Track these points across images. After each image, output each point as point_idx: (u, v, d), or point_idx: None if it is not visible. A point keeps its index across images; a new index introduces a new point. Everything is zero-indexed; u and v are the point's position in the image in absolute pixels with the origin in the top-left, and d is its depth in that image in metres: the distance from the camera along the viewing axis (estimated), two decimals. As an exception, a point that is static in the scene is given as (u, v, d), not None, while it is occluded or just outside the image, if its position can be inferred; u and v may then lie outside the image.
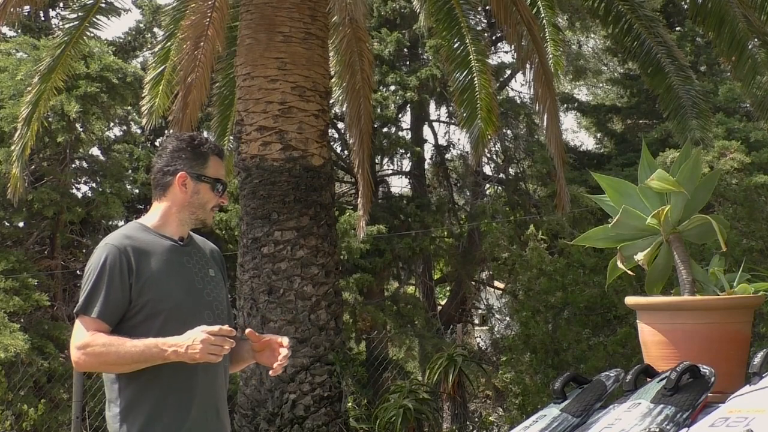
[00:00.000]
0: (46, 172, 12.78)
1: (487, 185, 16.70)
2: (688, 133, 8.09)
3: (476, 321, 17.98)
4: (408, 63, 15.78)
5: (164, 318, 2.71)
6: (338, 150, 15.42)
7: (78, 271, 13.09)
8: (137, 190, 14.01)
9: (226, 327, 2.61)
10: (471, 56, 8.57)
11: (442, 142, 16.99)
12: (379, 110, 14.12)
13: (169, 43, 8.94)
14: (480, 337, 16.78)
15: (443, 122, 17.00)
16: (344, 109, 9.30)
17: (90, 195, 13.44)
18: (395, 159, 16.50)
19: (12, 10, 7.89)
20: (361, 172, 8.77)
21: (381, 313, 14.04)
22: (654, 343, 3.13)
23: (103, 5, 8.73)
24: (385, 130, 15.26)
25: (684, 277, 3.23)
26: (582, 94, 19.81)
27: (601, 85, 19.51)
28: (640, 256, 3.26)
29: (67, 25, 8.92)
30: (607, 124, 16.85)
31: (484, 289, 17.55)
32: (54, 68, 8.61)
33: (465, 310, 16.84)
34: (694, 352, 2.95)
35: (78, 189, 13.86)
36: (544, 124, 8.56)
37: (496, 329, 14.74)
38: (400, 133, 15.86)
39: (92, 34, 10.23)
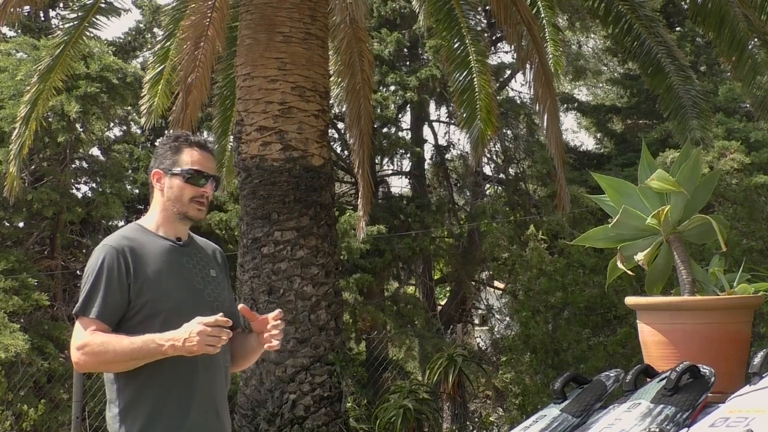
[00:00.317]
0: (46, 172, 12.78)
1: (487, 185, 16.70)
2: (688, 133, 8.08)
3: (476, 321, 17.99)
4: (408, 63, 15.78)
5: (164, 318, 2.70)
6: (338, 150, 15.43)
7: (78, 272, 13.09)
8: (137, 191, 14.02)
9: (221, 317, 2.59)
10: (471, 56, 8.56)
11: (442, 142, 17.02)
12: (379, 110, 14.13)
13: (168, 43, 8.94)
14: (480, 337, 16.78)
15: (443, 122, 17.03)
16: (344, 109, 9.30)
17: (90, 195, 13.46)
18: (395, 159, 16.52)
19: (12, 10, 7.89)
20: (361, 173, 8.77)
21: (381, 313, 14.04)
22: (654, 343, 3.13)
23: (103, 5, 8.72)
24: (385, 130, 15.27)
25: (684, 277, 3.23)
26: (582, 94, 19.84)
27: (601, 85, 19.51)
28: (640, 256, 3.26)
29: (66, 25, 8.92)
30: (607, 124, 16.85)
31: (484, 289, 17.55)
32: (53, 68, 8.61)
33: (465, 310, 16.84)
34: (694, 352, 2.95)
35: (78, 189, 13.88)
36: (544, 124, 8.56)
37: (496, 329, 14.75)
38: (400, 134, 15.87)
39: (92, 34, 10.22)
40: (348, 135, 9.81)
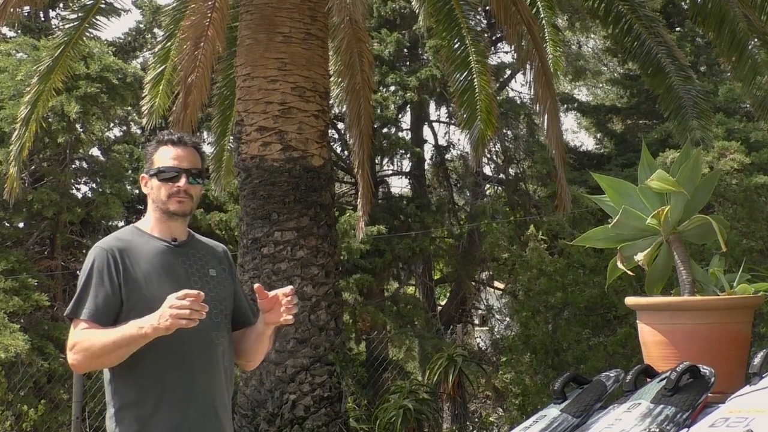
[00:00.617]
0: (46, 173, 12.79)
1: (487, 185, 16.70)
2: (688, 134, 8.08)
3: (476, 321, 17.98)
4: (408, 63, 15.78)
5: None
6: (338, 150, 15.42)
7: (78, 272, 13.08)
8: (137, 191, 14.00)
9: (192, 291, 2.56)
10: (471, 57, 8.55)
11: (442, 142, 17.01)
12: (379, 110, 14.12)
13: (169, 44, 8.93)
14: (480, 337, 16.78)
15: (443, 122, 17.02)
16: (344, 109, 9.29)
17: (90, 195, 13.46)
18: (395, 159, 16.52)
19: (12, 10, 7.89)
20: (361, 173, 8.76)
21: (381, 313, 14.04)
22: (654, 344, 3.13)
23: (103, 6, 8.72)
24: (385, 130, 15.27)
25: (684, 277, 3.23)
26: (582, 94, 19.83)
27: (601, 85, 19.50)
28: (640, 257, 3.26)
29: (66, 26, 8.92)
30: (607, 124, 16.85)
31: (484, 289, 17.55)
32: (53, 69, 8.60)
33: (465, 311, 16.84)
34: (694, 353, 2.95)
35: (78, 189, 13.90)
36: (545, 124, 8.55)
37: (496, 329, 14.75)
38: (400, 134, 15.86)
39: (92, 35, 10.23)
40: (348, 135, 9.80)
